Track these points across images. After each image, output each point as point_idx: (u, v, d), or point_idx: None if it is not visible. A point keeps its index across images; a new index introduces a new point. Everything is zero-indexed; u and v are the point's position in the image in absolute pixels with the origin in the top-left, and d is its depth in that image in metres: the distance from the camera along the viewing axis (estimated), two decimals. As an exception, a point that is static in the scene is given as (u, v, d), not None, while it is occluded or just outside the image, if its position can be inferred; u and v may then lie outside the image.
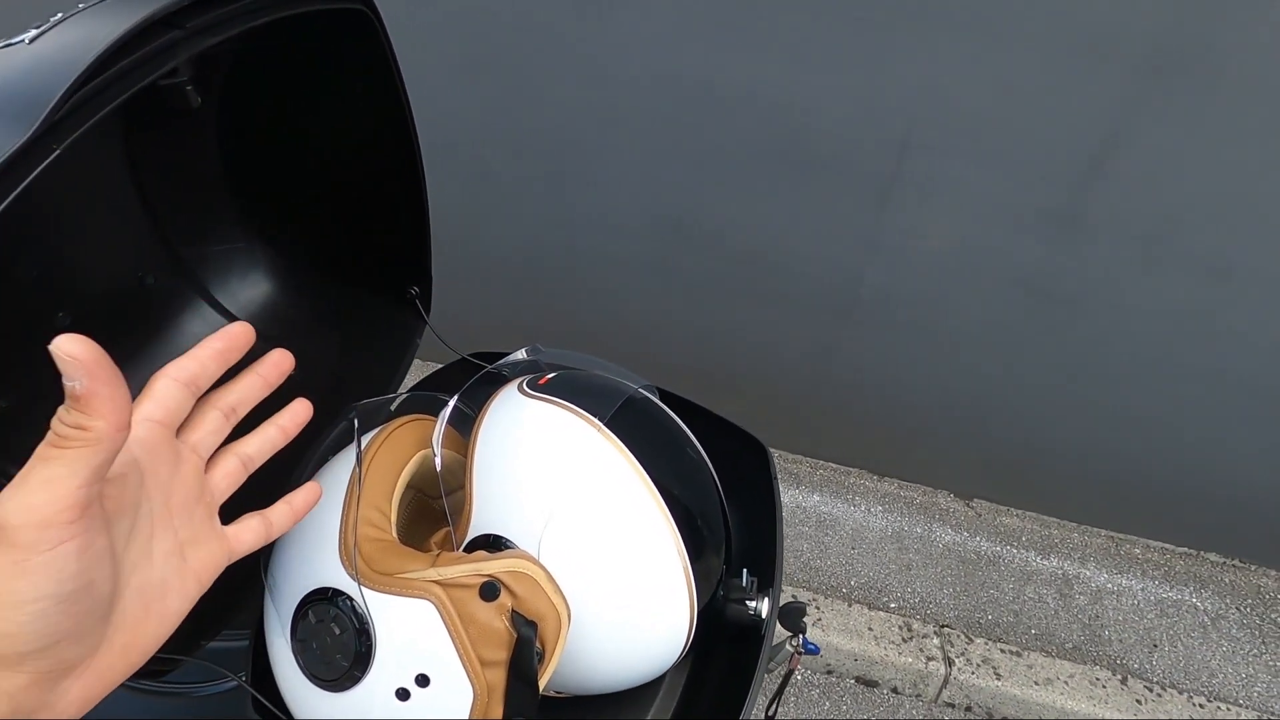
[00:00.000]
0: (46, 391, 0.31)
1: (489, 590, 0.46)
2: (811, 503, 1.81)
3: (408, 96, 0.61)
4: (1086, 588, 1.67)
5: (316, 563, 0.49)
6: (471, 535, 0.53)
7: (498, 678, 0.46)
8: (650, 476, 0.53)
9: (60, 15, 0.40)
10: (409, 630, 0.46)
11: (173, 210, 0.67)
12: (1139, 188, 1.41)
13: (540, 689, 0.46)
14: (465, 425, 0.61)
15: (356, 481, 0.51)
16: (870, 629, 1.54)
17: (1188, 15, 1.24)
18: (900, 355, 1.73)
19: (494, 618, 0.46)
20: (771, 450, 0.71)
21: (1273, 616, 1.65)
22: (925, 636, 1.54)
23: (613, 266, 1.79)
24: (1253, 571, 1.75)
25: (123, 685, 0.34)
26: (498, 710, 0.45)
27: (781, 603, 0.62)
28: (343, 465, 0.55)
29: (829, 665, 1.54)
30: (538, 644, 0.46)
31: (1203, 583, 1.71)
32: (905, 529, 1.77)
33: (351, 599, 0.47)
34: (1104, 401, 1.66)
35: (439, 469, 0.55)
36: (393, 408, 0.65)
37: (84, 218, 0.60)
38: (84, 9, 0.39)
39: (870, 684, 1.54)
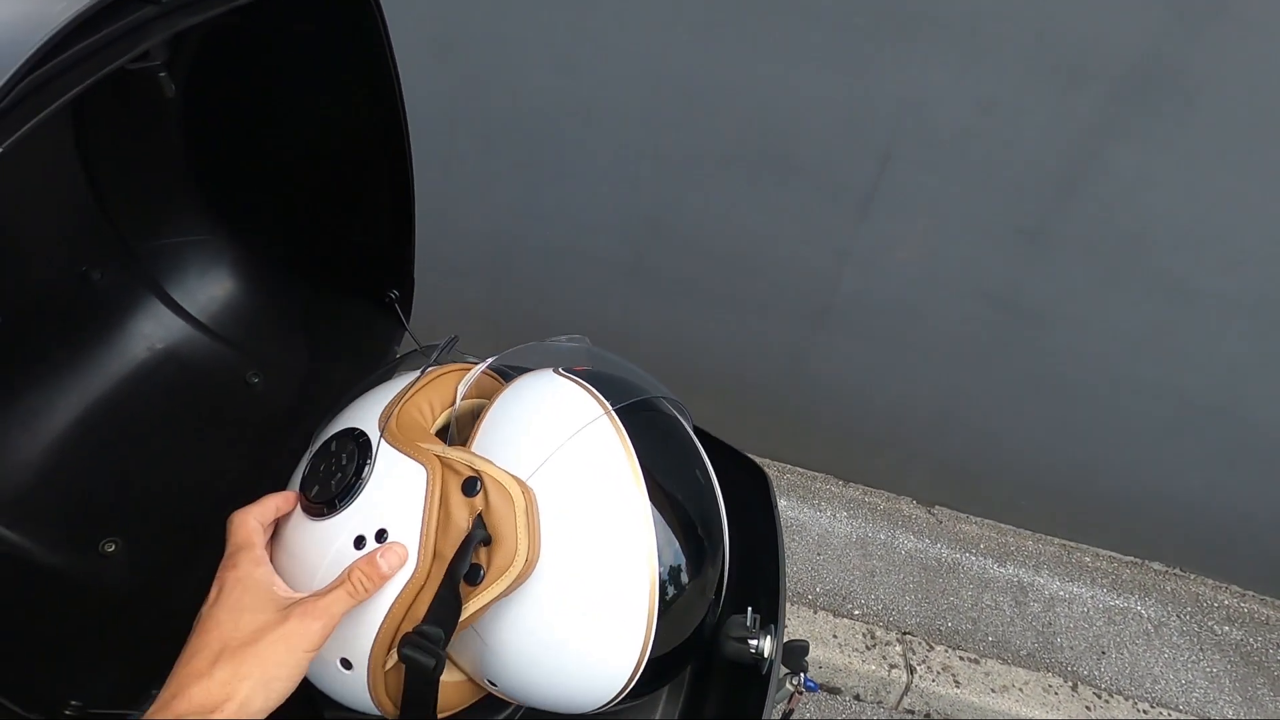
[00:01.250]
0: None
1: (470, 485, 0.46)
2: (779, 507, 1.81)
3: (401, 88, 0.55)
4: (1040, 595, 1.72)
5: (357, 420, 0.51)
6: None
7: (439, 573, 0.44)
8: (649, 482, 0.50)
9: (5, -22, 0.34)
10: (397, 485, 0.47)
11: (125, 198, 0.60)
12: (1109, 208, 1.44)
13: (463, 614, 0.44)
14: None
15: (423, 373, 0.55)
16: (835, 636, 1.55)
17: (1164, 42, 1.26)
18: (869, 362, 1.73)
19: (461, 513, 0.45)
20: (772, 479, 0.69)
21: (1209, 624, 1.73)
22: (888, 644, 1.55)
23: (585, 264, 1.75)
24: (1191, 580, 1.83)
25: None
26: (421, 609, 0.44)
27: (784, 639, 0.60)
28: (399, 381, 0.56)
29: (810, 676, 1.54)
30: (482, 562, 0.44)
31: (1147, 591, 1.78)
32: (869, 535, 1.79)
33: (370, 442, 0.49)
34: (1060, 413, 1.70)
35: (453, 414, 0.55)
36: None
37: (18, 206, 0.53)
38: (35, -28, 0.33)
39: (833, 691, 1.55)
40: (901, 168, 1.48)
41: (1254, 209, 1.37)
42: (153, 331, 0.64)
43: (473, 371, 0.57)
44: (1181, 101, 1.30)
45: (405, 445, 0.48)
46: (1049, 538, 1.87)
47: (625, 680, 0.49)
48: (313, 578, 0.45)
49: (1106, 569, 1.81)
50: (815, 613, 1.59)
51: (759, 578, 0.62)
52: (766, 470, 0.69)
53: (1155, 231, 1.44)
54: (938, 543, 1.80)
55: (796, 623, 1.56)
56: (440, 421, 0.55)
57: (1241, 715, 1.54)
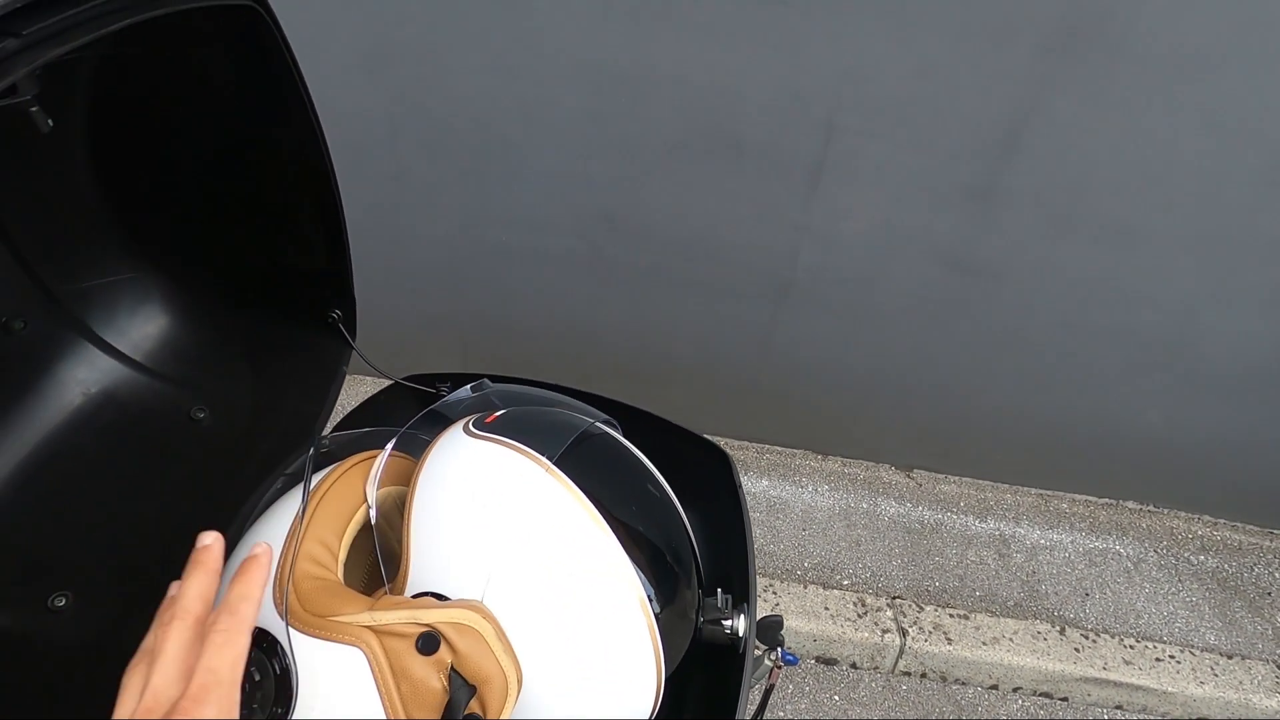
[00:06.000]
0: None
1: (427, 643, 0.41)
2: (761, 488, 1.82)
3: (311, 99, 0.54)
4: (1022, 545, 1.75)
5: None
6: (409, 593, 0.47)
7: None
8: (610, 519, 0.48)
9: None
10: (335, 681, 0.40)
11: (41, 244, 0.58)
12: (1049, 160, 1.47)
13: None
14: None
15: (299, 517, 0.46)
16: (826, 608, 1.57)
17: (1085, -8, 1.29)
18: (835, 334, 1.75)
19: (430, 675, 0.41)
20: (734, 458, 0.69)
21: (1185, 555, 1.78)
22: (879, 610, 1.57)
23: (544, 264, 1.74)
24: (1165, 515, 1.87)
25: None
26: None
27: (758, 616, 0.60)
28: (294, 500, 0.49)
29: (790, 648, 1.55)
30: (479, 710, 0.41)
31: (1124, 530, 1.82)
32: (852, 505, 1.81)
33: (278, 642, 0.41)
34: (1025, 365, 1.73)
35: (374, 520, 0.50)
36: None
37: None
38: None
39: (830, 662, 1.56)
40: (846, 138, 1.49)
41: (1183, 148, 1.40)
42: (86, 376, 0.62)
43: (374, 470, 0.50)
44: (1107, 49, 1.33)
45: (323, 628, 0.41)
46: (1025, 489, 1.90)
47: (649, 713, 0.49)
48: None
49: (1083, 513, 1.85)
50: (805, 587, 1.60)
51: (728, 558, 0.62)
52: (729, 451, 0.69)
53: (1096, 178, 1.47)
54: (919, 505, 1.83)
55: (788, 599, 1.57)
56: (345, 546, 0.47)
57: (1222, 639, 1.58)
